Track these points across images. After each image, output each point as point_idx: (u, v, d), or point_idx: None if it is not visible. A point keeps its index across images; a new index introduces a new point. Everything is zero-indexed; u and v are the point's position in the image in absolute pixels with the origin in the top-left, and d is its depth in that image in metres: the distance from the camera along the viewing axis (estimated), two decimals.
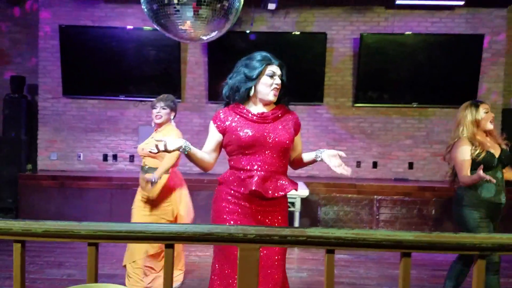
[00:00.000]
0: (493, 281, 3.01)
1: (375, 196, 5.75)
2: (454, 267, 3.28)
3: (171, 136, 3.16)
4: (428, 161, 6.37)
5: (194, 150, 2.25)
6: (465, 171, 3.05)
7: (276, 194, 2.19)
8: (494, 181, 2.86)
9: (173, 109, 3.49)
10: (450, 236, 0.91)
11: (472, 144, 3.07)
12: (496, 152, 3.08)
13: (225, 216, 2.24)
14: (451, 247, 0.91)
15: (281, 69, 2.30)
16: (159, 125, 3.44)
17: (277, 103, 2.34)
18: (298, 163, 2.44)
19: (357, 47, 6.19)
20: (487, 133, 3.18)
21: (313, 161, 2.36)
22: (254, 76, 2.24)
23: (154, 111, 3.43)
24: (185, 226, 0.93)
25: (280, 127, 2.25)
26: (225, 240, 0.93)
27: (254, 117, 2.24)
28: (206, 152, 2.33)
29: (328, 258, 0.95)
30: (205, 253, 4.74)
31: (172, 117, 3.50)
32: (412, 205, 5.70)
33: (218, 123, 2.30)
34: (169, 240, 0.93)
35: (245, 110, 2.27)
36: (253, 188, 2.13)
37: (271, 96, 2.25)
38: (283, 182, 2.24)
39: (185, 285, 3.74)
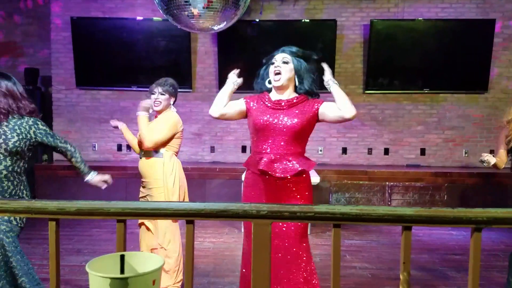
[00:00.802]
0: None
1: (387, 183, 5.79)
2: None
3: (169, 123, 3.11)
4: (440, 147, 6.39)
5: None
6: (499, 149, 3.11)
7: (283, 175, 2.35)
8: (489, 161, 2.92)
9: (172, 94, 3.24)
10: (447, 211, 0.97)
11: (508, 129, 3.12)
12: None
13: (246, 195, 2.53)
14: (449, 221, 0.98)
15: (288, 54, 2.47)
16: (159, 112, 3.19)
17: (300, 92, 2.48)
18: (341, 106, 2.42)
19: (367, 33, 6.19)
20: None
21: (335, 92, 2.47)
22: (263, 68, 2.56)
23: (153, 96, 3.19)
24: (204, 204, 1.01)
25: (293, 113, 2.39)
26: (240, 216, 1.00)
27: (270, 104, 2.44)
28: (225, 104, 2.57)
29: (335, 232, 1.03)
30: (218, 239, 4.84)
31: (172, 102, 3.25)
32: (424, 191, 5.74)
33: (247, 100, 2.54)
34: (189, 216, 1.02)
35: (266, 97, 2.49)
36: (261, 168, 2.35)
37: (273, 81, 2.44)
38: (292, 164, 2.37)
39: (200, 270, 3.85)
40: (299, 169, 2.36)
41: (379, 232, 5.22)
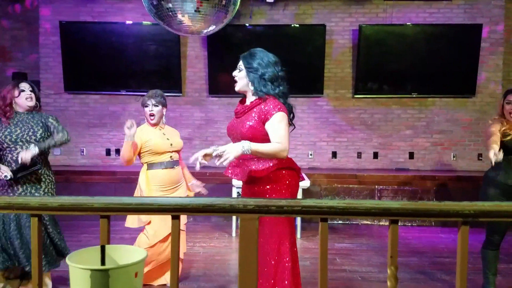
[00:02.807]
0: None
1: (376, 186, 5.81)
2: (486, 255, 3.32)
3: (177, 133, 3.46)
4: (428, 150, 6.43)
5: None
6: (492, 139, 3.09)
7: (242, 179, 2.42)
8: (497, 158, 2.86)
9: (164, 104, 3.39)
10: (434, 204, 0.97)
11: (501, 123, 3.20)
12: None
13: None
14: (435, 214, 0.97)
15: (242, 60, 2.48)
16: (155, 124, 3.34)
17: (258, 95, 2.42)
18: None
19: (356, 38, 6.23)
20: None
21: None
22: None
23: (146, 109, 3.30)
24: (190, 199, 0.99)
25: (246, 119, 2.39)
26: (227, 211, 0.99)
27: (235, 111, 2.55)
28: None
29: (322, 226, 1.02)
30: (209, 244, 4.81)
31: (164, 112, 3.40)
32: (413, 194, 5.76)
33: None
34: (175, 211, 1.00)
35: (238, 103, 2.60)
36: (224, 173, 2.50)
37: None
38: (250, 167, 2.40)
39: (191, 274, 3.82)
40: (247, 172, 2.38)
41: (369, 236, 5.23)
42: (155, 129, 3.39)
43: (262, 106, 2.36)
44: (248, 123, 2.34)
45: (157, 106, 3.30)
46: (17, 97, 3.12)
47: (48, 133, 3.20)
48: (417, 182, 5.81)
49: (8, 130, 3.06)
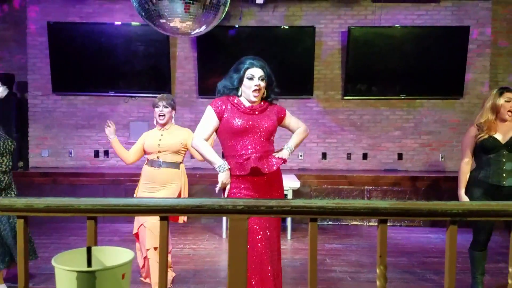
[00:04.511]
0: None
1: (366, 187, 5.84)
2: (473, 255, 3.34)
3: (181, 133, 3.53)
4: (417, 151, 6.48)
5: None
6: (464, 156, 3.33)
7: (272, 168, 2.58)
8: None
9: (174, 107, 3.58)
10: (422, 203, 0.98)
11: (478, 129, 3.23)
12: (505, 138, 3.16)
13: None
14: (424, 213, 0.98)
15: (263, 70, 2.61)
16: (163, 124, 3.52)
17: (266, 99, 2.71)
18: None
19: (345, 40, 6.26)
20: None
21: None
22: (235, 82, 2.62)
23: (157, 110, 3.50)
24: (178, 200, 0.99)
25: (265, 116, 2.65)
26: (216, 211, 0.99)
27: (246, 109, 2.61)
28: (205, 139, 2.65)
29: (311, 226, 1.02)
30: (199, 246, 4.79)
31: (173, 115, 3.58)
32: (402, 195, 5.80)
33: (217, 110, 2.62)
34: (163, 212, 0.99)
35: (238, 101, 2.64)
36: (253, 165, 2.51)
37: (252, 97, 2.59)
38: (273, 159, 2.63)
39: (180, 276, 3.80)
40: (279, 163, 2.62)
41: (358, 236, 5.25)
42: (159, 129, 3.55)
43: (273, 108, 2.72)
44: (269, 121, 2.63)
45: (167, 107, 3.50)
46: None
47: None
48: (406, 182, 5.85)
49: None
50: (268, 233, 2.57)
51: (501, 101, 3.20)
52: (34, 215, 0.97)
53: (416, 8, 6.32)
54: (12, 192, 3.38)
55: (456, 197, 3.33)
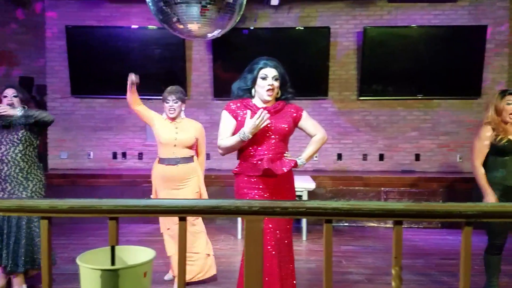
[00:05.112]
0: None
1: (382, 188, 5.80)
2: (488, 260, 3.30)
3: (193, 128, 3.56)
4: (434, 152, 6.42)
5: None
6: (478, 159, 3.25)
7: (284, 170, 2.58)
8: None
9: (184, 100, 3.59)
10: (437, 205, 0.98)
11: (493, 130, 3.16)
12: None
13: (247, 198, 2.61)
14: (439, 215, 0.98)
15: (276, 70, 2.62)
16: (173, 118, 3.53)
17: (280, 99, 2.70)
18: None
19: (360, 40, 6.24)
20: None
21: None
22: (249, 82, 2.64)
23: (167, 105, 3.50)
24: (196, 201, 1.01)
25: (280, 118, 2.64)
26: (232, 212, 1.01)
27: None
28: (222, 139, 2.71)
29: (326, 228, 1.03)
30: (214, 246, 4.80)
31: (183, 108, 3.59)
32: (419, 196, 5.75)
33: (232, 112, 2.66)
34: (181, 213, 1.02)
35: (251, 103, 2.66)
36: (266, 167, 2.53)
37: (266, 96, 2.61)
38: (286, 160, 2.64)
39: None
40: (291, 163, 2.62)
41: (375, 238, 5.23)
42: (170, 122, 3.56)
43: (289, 109, 2.70)
44: (284, 123, 2.63)
45: (176, 102, 3.51)
46: (0, 102, 3.35)
47: (32, 135, 3.39)
48: (423, 184, 5.80)
49: None
50: (278, 235, 2.58)
51: (502, 103, 3.17)
52: (57, 216, 1.00)
53: (433, 7, 6.27)
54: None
55: (474, 199, 3.29)
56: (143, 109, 3.61)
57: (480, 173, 3.23)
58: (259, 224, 0.98)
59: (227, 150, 2.68)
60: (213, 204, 0.99)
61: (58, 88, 6.48)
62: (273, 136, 2.60)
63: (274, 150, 2.60)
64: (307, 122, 2.77)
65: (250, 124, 2.48)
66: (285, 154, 2.66)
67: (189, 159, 3.52)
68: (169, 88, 3.57)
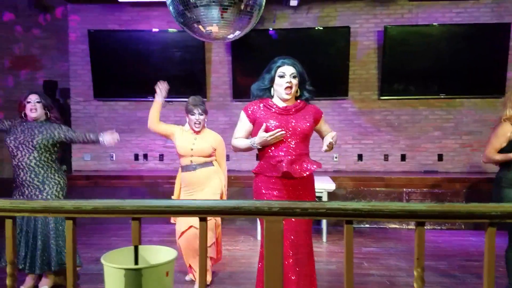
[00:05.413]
0: None
1: (404, 189, 5.73)
2: (509, 259, 3.24)
3: (212, 137, 3.57)
4: (457, 152, 6.31)
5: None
6: (490, 151, 3.22)
7: (303, 174, 2.58)
8: None
9: (207, 112, 3.60)
10: (460, 206, 0.97)
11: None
12: None
13: (265, 198, 2.60)
14: (462, 216, 0.97)
15: (294, 68, 2.62)
16: (198, 132, 3.54)
17: (300, 98, 2.69)
18: None
19: (381, 39, 6.18)
20: None
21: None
22: (267, 81, 2.65)
23: (193, 117, 3.50)
24: (217, 202, 1.02)
25: (301, 117, 2.63)
26: (252, 213, 1.01)
27: (279, 110, 2.62)
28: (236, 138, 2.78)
29: (347, 229, 1.03)
30: (234, 247, 4.84)
31: (206, 119, 3.60)
32: (442, 197, 5.65)
33: (249, 113, 2.67)
34: (202, 213, 1.03)
35: (271, 102, 2.66)
36: (285, 170, 2.51)
37: (284, 94, 2.61)
38: (307, 163, 2.62)
39: (216, 277, 3.85)
40: (313, 167, 2.61)
41: (397, 240, 5.16)
42: (192, 133, 3.57)
43: (310, 108, 2.70)
44: (305, 123, 2.61)
45: (202, 115, 3.51)
46: (24, 107, 3.40)
47: (49, 142, 3.38)
48: (446, 184, 5.70)
49: (15, 135, 3.35)
50: (292, 237, 2.55)
51: None
52: (82, 216, 1.03)
53: (454, 5, 6.16)
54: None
55: (494, 199, 3.24)
56: (163, 128, 3.65)
57: (495, 156, 3.22)
58: (279, 224, 0.98)
59: (238, 150, 2.77)
60: (233, 205, 1.00)
61: (81, 91, 6.61)
62: (293, 137, 2.58)
63: (294, 151, 2.58)
64: (325, 124, 2.80)
65: (262, 139, 2.52)
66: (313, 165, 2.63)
67: (208, 164, 3.54)
68: (192, 100, 3.56)
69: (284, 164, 2.53)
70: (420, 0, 6.13)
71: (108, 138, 3.50)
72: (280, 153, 2.57)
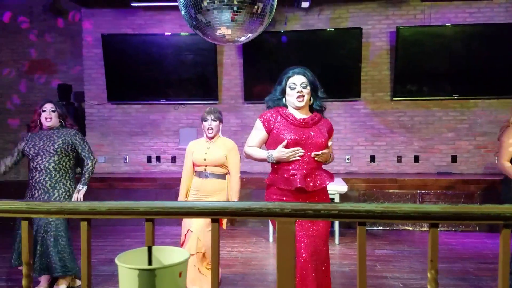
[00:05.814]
0: None
1: (418, 191, 5.68)
2: None
3: (224, 145, 3.56)
4: (471, 153, 6.24)
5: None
6: (504, 158, 3.19)
7: (316, 188, 2.55)
8: None
9: (221, 120, 3.63)
10: (475, 207, 0.96)
11: None
12: None
13: None
14: (476, 217, 0.96)
15: (305, 76, 2.62)
16: (211, 138, 3.56)
17: (314, 109, 2.68)
18: None
19: (393, 40, 6.15)
20: None
21: None
22: (278, 93, 2.67)
23: (205, 123, 3.53)
24: (229, 203, 1.03)
25: (318, 131, 2.61)
26: (264, 214, 1.02)
27: (297, 122, 2.60)
28: (250, 147, 2.74)
29: (360, 231, 1.02)
30: (246, 249, 4.85)
31: (220, 127, 3.63)
32: (456, 199, 5.59)
33: (266, 123, 2.64)
34: (214, 215, 1.04)
35: (288, 112, 2.64)
36: (298, 185, 2.48)
37: (297, 102, 2.60)
38: (321, 176, 2.59)
39: (229, 279, 3.86)
40: (326, 182, 2.58)
41: (411, 242, 5.12)
42: (206, 141, 3.60)
43: (325, 122, 2.70)
44: (321, 136, 2.59)
45: (215, 121, 3.54)
46: (39, 116, 3.51)
47: (69, 147, 3.51)
48: (460, 186, 5.64)
49: (33, 143, 3.45)
50: (313, 243, 2.53)
51: None
52: (97, 218, 1.04)
53: (468, 6, 6.11)
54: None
55: (503, 200, 3.20)
56: (190, 166, 3.65)
57: (507, 166, 3.20)
58: (291, 226, 0.98)
59: (250, 159, 2.76)
60: (245, 206, 1.01)
61: (95, 94, 6.68)
62: (309, 150, 2.54)
63: (308, 165, 2.54)
64: (331, 141, 2.78)
65: (280, 155, 2.51)
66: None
67: (219, 176, 3.55)
68: (207, 109, 3.63)
69: (298, 179, 2.49)
70: (433, 0, 6.08)
71: (80, 193, 3.57)
72: (294, 167, 2.54)
